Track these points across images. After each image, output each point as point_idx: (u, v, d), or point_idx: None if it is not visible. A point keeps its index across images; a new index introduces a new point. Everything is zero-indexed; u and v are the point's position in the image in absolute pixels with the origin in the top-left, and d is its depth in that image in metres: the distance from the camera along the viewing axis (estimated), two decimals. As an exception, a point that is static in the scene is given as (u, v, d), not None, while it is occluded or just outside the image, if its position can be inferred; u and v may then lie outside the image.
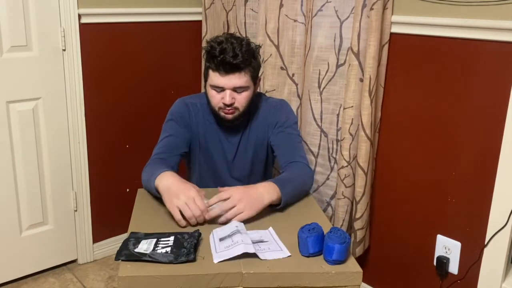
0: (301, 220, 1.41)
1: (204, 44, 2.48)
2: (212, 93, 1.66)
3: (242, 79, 1.62)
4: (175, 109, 1.77)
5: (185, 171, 1.87)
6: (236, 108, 1.66)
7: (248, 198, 1.42)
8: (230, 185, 1.56)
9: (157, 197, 1.60)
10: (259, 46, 1.75)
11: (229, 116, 1.67)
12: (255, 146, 1.79)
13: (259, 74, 1.75)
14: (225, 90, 1.62)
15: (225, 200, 1.41)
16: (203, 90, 2.53)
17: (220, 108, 1.66)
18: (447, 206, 1.86)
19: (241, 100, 1.65)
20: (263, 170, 1.85)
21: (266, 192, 1.47)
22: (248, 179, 1.79)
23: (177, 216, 1.37)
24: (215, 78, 1.62)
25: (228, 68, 1.59)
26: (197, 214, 1.36)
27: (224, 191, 1.44)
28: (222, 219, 1.40)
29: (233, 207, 1.40)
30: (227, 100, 1.62)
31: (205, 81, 1.70)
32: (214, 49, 1.60)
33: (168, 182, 1.44)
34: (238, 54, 1.58)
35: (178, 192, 1.40)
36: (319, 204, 2.13)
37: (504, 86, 1.63)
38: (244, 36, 1.75)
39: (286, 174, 1.64)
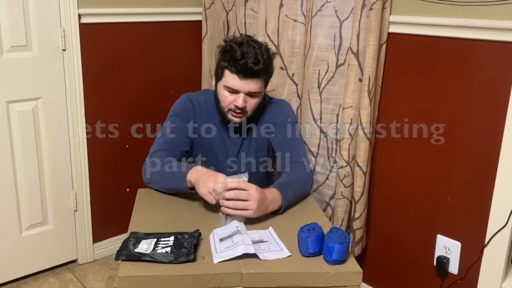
0: (301, 220, 1.41)
1: (206, 41, 2.49)
2: (224, 93, 1.66)
3: (258, 85, 1.63)
4: (180, 105, 1.77)
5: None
6: (245, 112, 1.67)
7: (261, 202, 1.44)
8: None
9: (157, 197, 1.60)
10: (276, 54, 1.76)
11: (237, 119, 1.68)
12: (257, 145, 1.79)
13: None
14: (240, 93, 1.62)
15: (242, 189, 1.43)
16: (204, 87, 2.55)
17: (230, 109, 1.67)
18: (447, 206, 1.86)
19: (252, 104, 1.67)
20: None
21: (272, 201, 1.49)
22: (249, 178, 1.79)
23: (210, 199, 1.43)
24: (231, 80, 1.61)
25: (248, 73, 1.59)
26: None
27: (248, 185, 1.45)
28: (228, 207, 1.41)
29: (246, 200, 1.41)
30: (240, 104, 1.63)
31: (217, 79, 1.68)
32: (234, 51, 1.59)
33: (199, 173, 1.50)
34: (260, 61, 1.58)
35: (207, 179, 1.46)
36: (319, 204, 2.13)
37: (504, 86, 1.63)
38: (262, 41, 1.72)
39: (287, 177, 1.65)
